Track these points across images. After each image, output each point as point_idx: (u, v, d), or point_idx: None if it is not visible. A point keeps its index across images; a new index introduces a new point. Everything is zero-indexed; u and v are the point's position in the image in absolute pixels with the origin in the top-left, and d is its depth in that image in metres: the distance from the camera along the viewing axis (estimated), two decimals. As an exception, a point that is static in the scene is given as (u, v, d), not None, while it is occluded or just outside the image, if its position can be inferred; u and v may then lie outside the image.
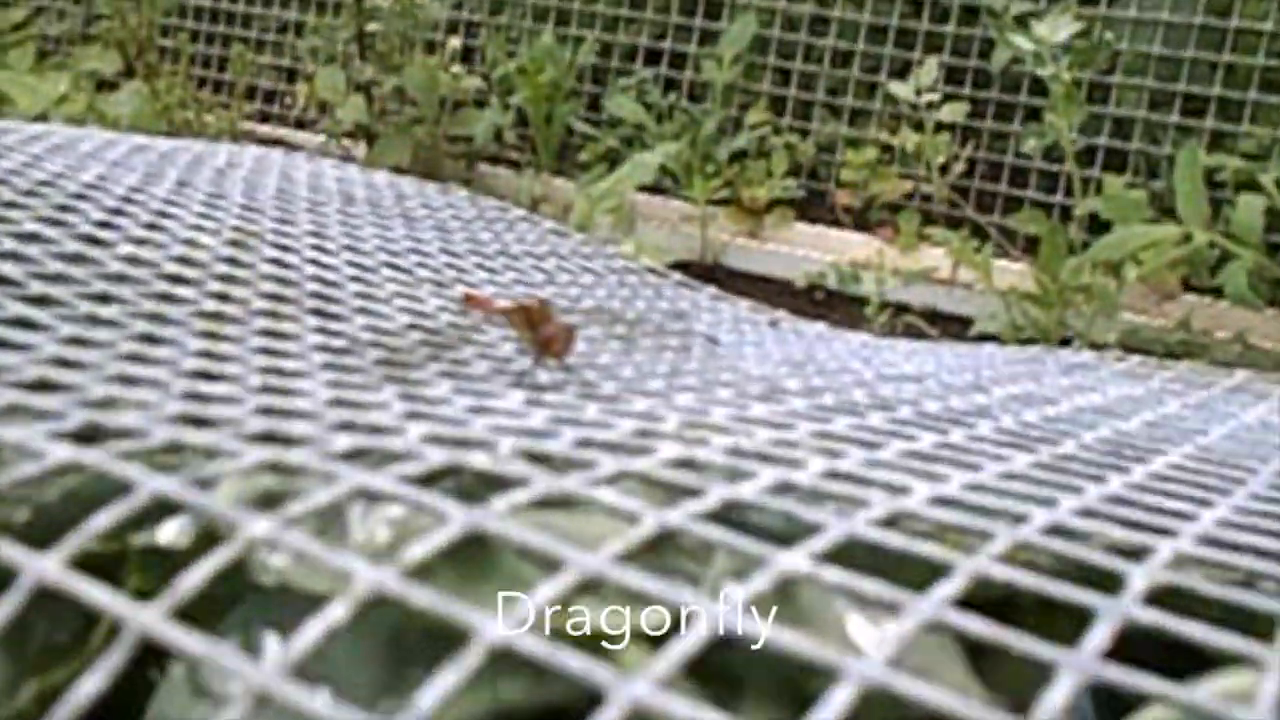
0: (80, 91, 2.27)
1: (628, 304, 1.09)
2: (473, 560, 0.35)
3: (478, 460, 0.40)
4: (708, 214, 1.89)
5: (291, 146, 1.96)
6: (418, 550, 0.33)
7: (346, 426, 0.46)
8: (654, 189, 1.96)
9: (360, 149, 2.15)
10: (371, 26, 2.09)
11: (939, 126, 1.84)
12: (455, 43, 2.13)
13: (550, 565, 0.34)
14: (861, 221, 1.90)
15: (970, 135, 1.89)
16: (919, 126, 1.85)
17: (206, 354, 0.59)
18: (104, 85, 2.48)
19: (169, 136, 1.62)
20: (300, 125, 2.38)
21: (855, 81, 1.97)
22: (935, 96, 1.81)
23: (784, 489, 0.42)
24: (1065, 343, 1.53)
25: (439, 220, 1.25)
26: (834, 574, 0.34)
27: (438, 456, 0.40)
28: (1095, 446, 0.58)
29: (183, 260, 0.79)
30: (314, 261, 0.91)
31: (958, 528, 0.41)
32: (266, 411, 0.47)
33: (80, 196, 0.91)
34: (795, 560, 0.35)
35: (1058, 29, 1.62)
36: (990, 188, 1.88)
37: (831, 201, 1.94)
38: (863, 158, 1.90)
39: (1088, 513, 0.45)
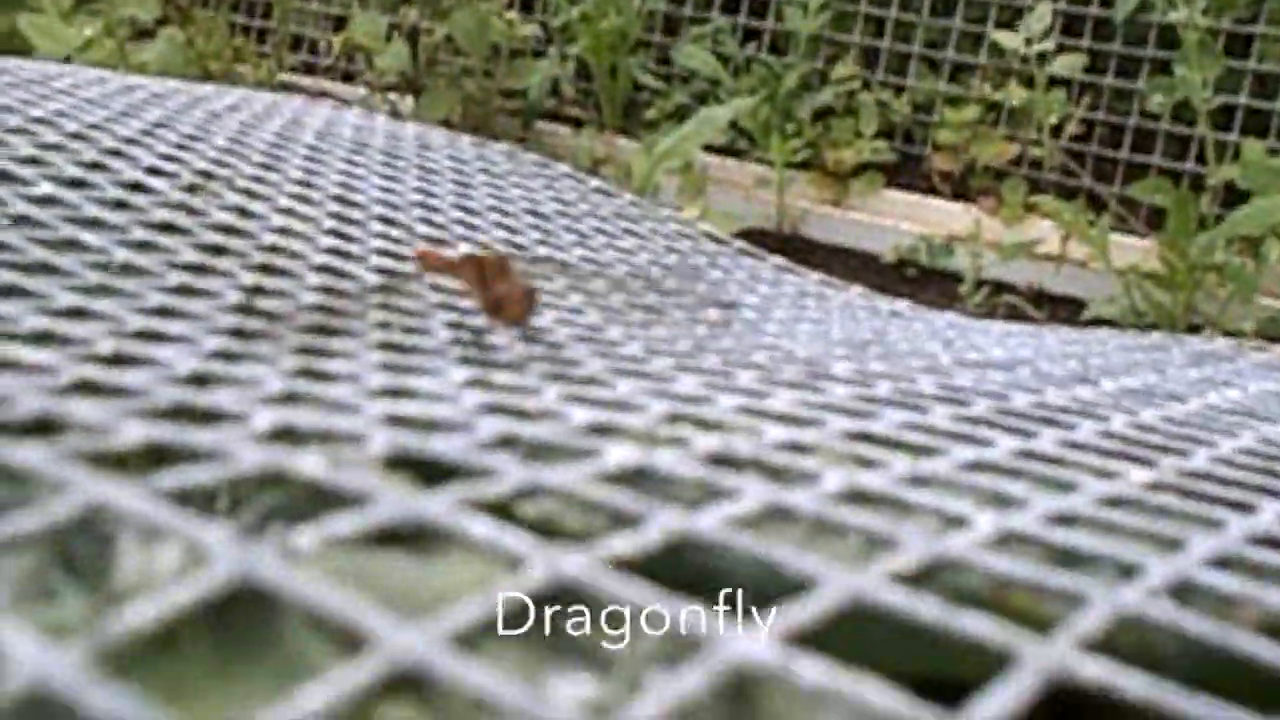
0: (110, 38, 2.19)
1: (670, 271, 0.97)
2: (238, 630, 0.24)
3: (308, 466, 0.28)
4: (786, 178, 1.76)
5: (333, 99, 1.86)
6: (133, 618, 0.21)
7: (175, 411, 0.34)
8: (727, 150, 1.83)
9: (407, 103, 2.05)
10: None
11: (1052, 82, 1.70)
12: (512, -15, 2.02)
13: (352, 644, 0.22)
14: (960, 190, 1.77)
15: (1087, 92, 1.74)
16: (1029, 82, 1.71)
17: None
18: (143, 34, 2.40)
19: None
20: (347, 78, 2.28)
21: (957, 32, 1.83)
22: (1048, 47, 1.66)
23: (771, 517, 0.30)
24: (1194, 330, 1.38)
25: (464, 174, 1.14)
26: (816, 672, 0.22)
27: (251, 458, 0.29)
28: (1236, 459, 0.45)
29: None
30: (287, 210, 0.80)
31: (1029, 585, 0.28)
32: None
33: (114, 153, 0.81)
34: (756, 648, 0.22)
35: (1192, -32, 1.48)
36: (1110, 153, 1.73)
37: (927, 167, 1.80)
38: (963, 117, 1.76)
39: (1227, 561, 0.32)
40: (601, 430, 0.37)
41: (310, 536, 0.25)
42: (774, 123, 1.80)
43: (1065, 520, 0.34)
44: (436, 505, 0.27)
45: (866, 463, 0.37)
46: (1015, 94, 1.72)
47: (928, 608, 0.25)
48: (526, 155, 1.30)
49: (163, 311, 0.52)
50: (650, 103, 1.94)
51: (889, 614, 0.25)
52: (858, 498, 0.32)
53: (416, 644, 0.21)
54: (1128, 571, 0.30)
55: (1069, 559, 0.31)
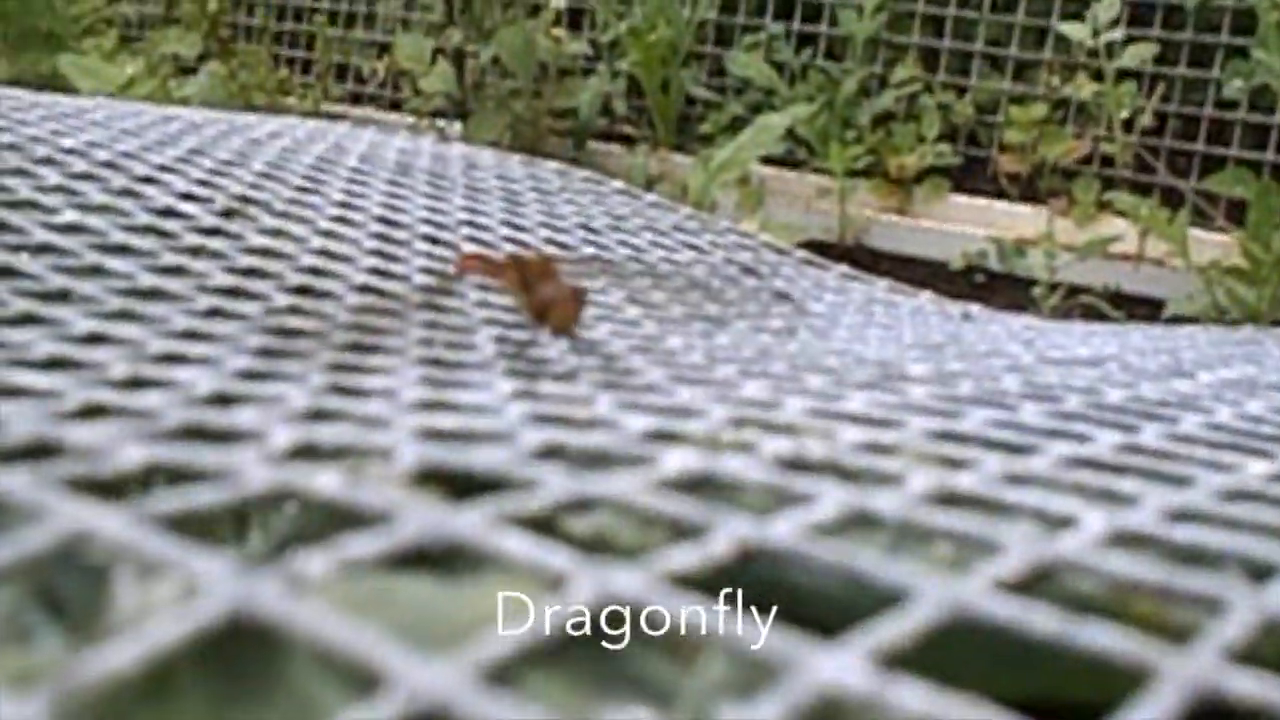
0: (152, 77, 2.19)
1: (731, 282, 0.94)
2: (238, 670, 0.21)
3: (323, 484, 0.25)
4: (847, 187, 1.72)
5: (382, 126, 1.85)
6: (118, 658, 0.19)
7: (186, 432, 0.31)
8: (785, 161, 1.80)
9: (455, 128, 2.03)
10: (462, -13, 1.97)
11: (1121, 75, 1.65)
12: (559, 2, 1.99)
13: (367, 683, 0.19)
14: (1029, 191, 1.73)
15: (1159, 83, 1.69)
16: (1097, 75, 1.67)
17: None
18: (186, 71, 2.41)
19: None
20: (394, 106, 2.27)
21: (1020, 27, 1.79)
22: (1116, 38, 1.62)
23: (852, 524, 0.26)
24: (1282, 325, 1.34)
25: (511, 192, 1.12)
26: (916, 698, 0.19)
27: (260, 478, 0.26)
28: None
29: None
30: (326, 233, 0.78)
31: (1155, 589, 0.25)
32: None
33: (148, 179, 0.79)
34: (844, 671, 0.19)
35: (1265, -53, 1.43)
36: (1185, 145, 1.69)
37: (993, 169, 1.76)
38: (1030, 116, 1.72)
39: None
40: (660, 437, 0.34)
41: (321, 561, 0.22)
42: (833, 130, 1.76)
43: (1184, 517, 0.30)
44: (467, 522, 0.24)
45: (955, 463, 0.34)
46: (1083, 88, 1.68)
47: (1042, 619, 0.21)
48: (578, 172, 1.27)
49: (188, 334, 0.49)
50: (704, 116, 1.92)
51: (995, 628, 0.22)
52: (948, 499, 0.29)
53: (441, 680, 0.18)
54: (1263, 572, 0.27)
55: (1191, 558, 0.28)
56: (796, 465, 0.32)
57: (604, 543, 0.26)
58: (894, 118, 1.80)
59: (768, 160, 1.75)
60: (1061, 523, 0.28)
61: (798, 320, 0.77)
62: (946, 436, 0.37)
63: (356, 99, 2.30)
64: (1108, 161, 1.71)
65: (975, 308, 1.06)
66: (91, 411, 0.33)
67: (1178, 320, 1.40)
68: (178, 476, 0.27)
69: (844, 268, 1.16)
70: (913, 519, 0.27)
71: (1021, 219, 1.68)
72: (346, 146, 1.18)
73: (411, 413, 0.36)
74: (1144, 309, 1.53)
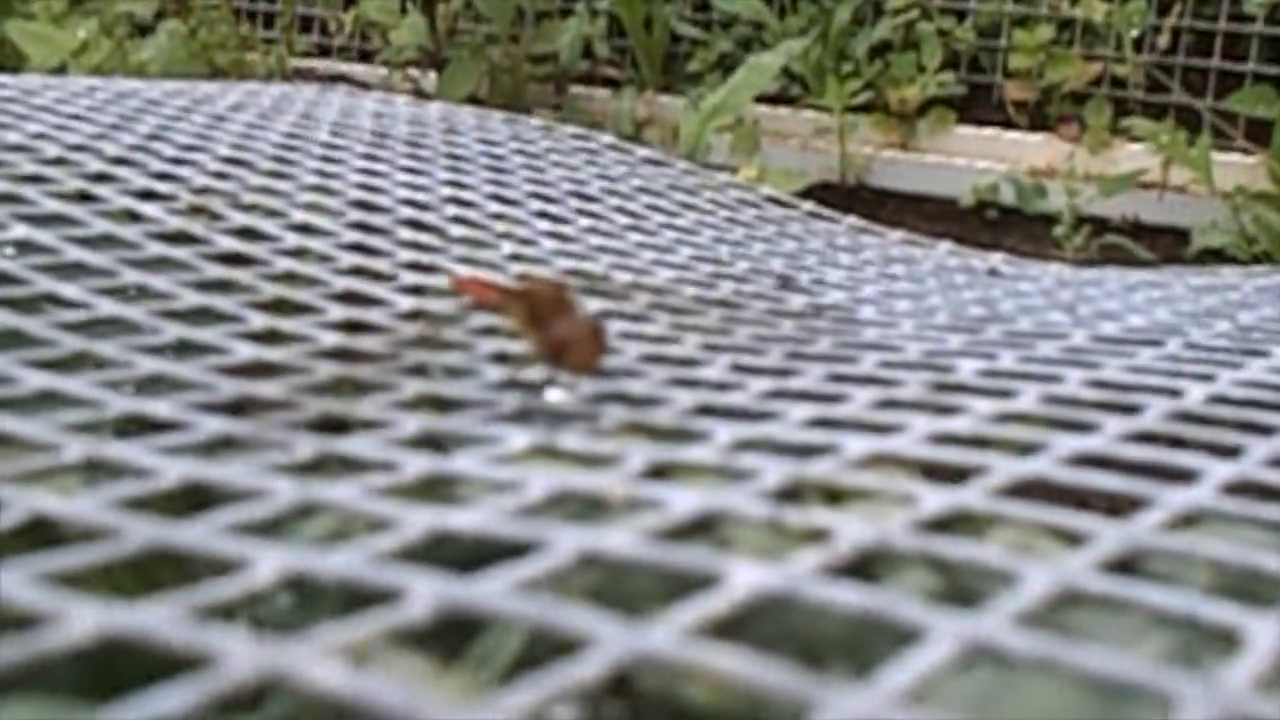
0: (107, 39, 2.12)
1: (739, 249, 0.89)
2: None
3: (322, 678, 0.21)
4: (847, 124, 1.67)
5: (350, 83, 1.79)
6: None
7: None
8: (779, 98, 1.75)
9: (430, 79, 1.97)
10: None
11: (1130, -9, 1.60)
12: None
13: None
14: (1039, 119, 1.67)
15: (1172, -1, 1.64)
16: (1105, -7, 1.61)
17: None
18: (143, 30, 2.34)
19: (210, 81, 1.46)
20: (365, 57, 2.20)
21: (1020, -55, 1.73)
22: (1124, -47, 1.57)
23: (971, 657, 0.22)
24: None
25: (496, 158, 1.07)
26: None
27: (242, 665, 0.21)
28: None
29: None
30: (301, 227, 0.73)
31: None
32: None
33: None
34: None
35: None
36: (1200, 63, 1.63)
37: (1000, 97, 1.71)
38: (1036, 39, 1.66)
39: None
40: (703, 528, 0.29)
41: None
42: (828, 64, 1.71)
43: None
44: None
45: (1072, 539, 0.29)
46: (1091, 7, 1.62)
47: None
48: (565, 129, 1.22)
49: (152, 382, 0.44)
50: (691, 54, 1.86)
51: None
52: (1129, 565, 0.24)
53: None
54: None
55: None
56: (882, 557, 0.28)
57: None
58: (892, 48, 1.74)
59: (761, 99, 1.69)
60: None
61: (820, 296, 0.72)
62: (1041, 497, 0.32)
63: (324, 51, 2.24)
64: (1119, 83, 1.65)
65: (998, 258, 1.01)
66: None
67: (1207, 254, 1.36)
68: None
69: (854, 220, 1.12)
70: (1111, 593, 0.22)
71: (1031, 148, 1.63)
72: (316, 116, 1.13)
73: (413, 501, 0.31)
74: (1168, 240, 1.48)
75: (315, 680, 0.20)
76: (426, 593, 0.23)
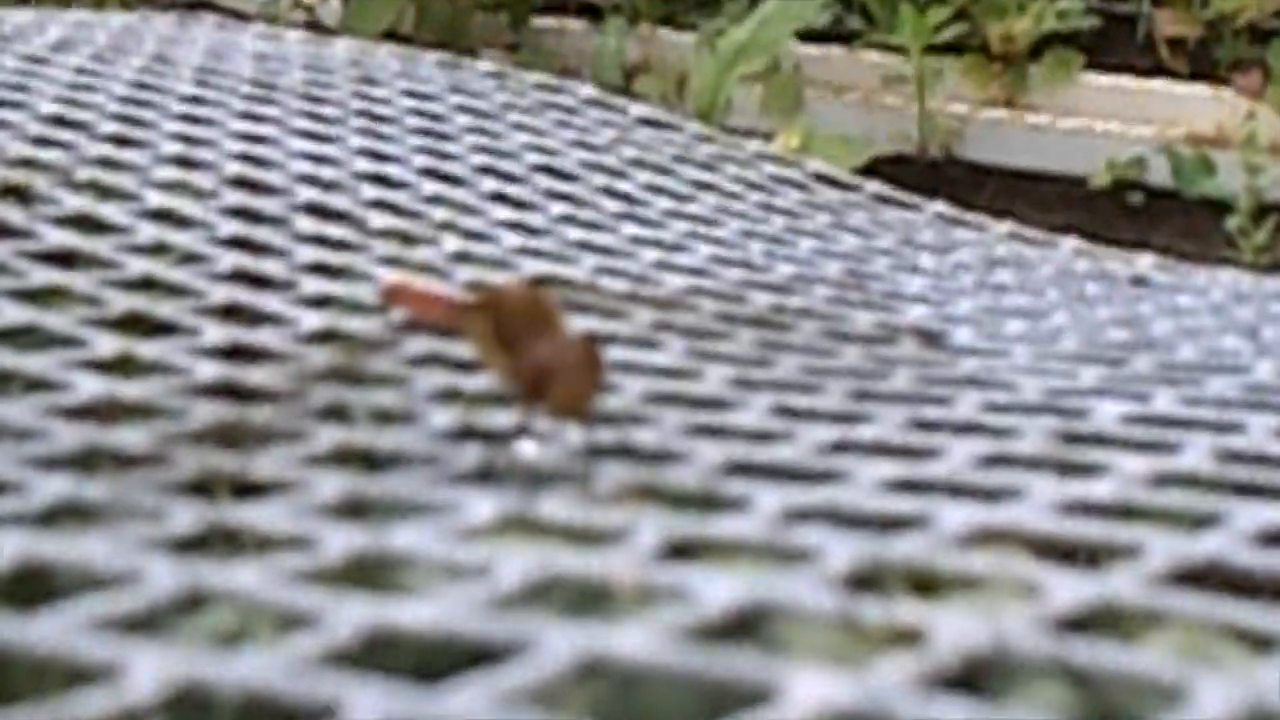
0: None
1: (775, 250, 0.91)
2: None
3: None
4: (928, 71, 1.71)
5: (220, 12, 1.82)
6: None
7: None
8: (831, 35, 1.78)
9: (332, 8, 2.02)
10: None
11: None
12: None
13: None
14: (1204, 65, 1.71)
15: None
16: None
17: None
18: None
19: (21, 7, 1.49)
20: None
21: None
22: None
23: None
24: None
25: (433, 118, 1.09)
26: None
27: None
28: None
29: None
30: (157, 214, 0.75)
31: None
32: None
33: None
34: None
35: None
36: None
37: (1148, 32, 1.74)
38: (1197, -48, 1.70)
39: None
40: (751, 625, 0.31)
41: None
42: (900, -14, 1.74)
43: None
44: None
45: None
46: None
47: None
48: (526, 77, 1.24)
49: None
50: (705, -29, 1.90)
51: None
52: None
53: None
54: None
55: None
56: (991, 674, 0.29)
57: None
58: (992, -38, 1.78)
59: (804, 35, 1.73)
60: None
61: (894, 314, 0.74)
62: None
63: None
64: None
65: (1147, 262, 1.04)
66: None
67: None
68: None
69: (940, 206, 1.14)
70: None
71: (1193, 106, 1.67)
72: (174, 58, 1.15)
73: (339, 591, 0.32)
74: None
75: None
76: (369, 707, 0.25)
